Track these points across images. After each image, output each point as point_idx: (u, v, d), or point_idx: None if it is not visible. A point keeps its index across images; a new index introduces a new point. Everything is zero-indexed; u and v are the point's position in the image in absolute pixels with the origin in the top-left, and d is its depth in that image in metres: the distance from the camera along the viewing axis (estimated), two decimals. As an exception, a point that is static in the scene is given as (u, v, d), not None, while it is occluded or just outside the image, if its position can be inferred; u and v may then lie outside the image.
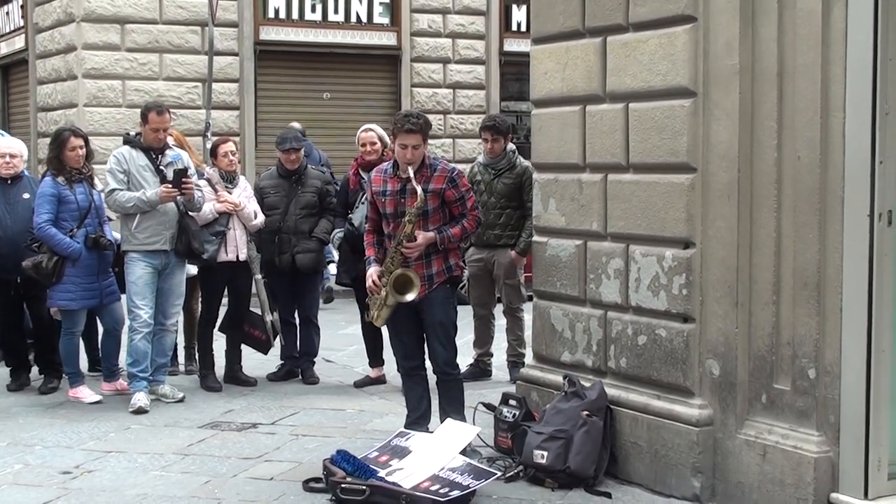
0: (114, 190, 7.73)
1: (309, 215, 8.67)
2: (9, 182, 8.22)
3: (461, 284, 8.35)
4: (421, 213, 6.32)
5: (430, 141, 6.58)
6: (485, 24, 18.44)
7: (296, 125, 11.71)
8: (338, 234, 8.39)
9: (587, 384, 6.12)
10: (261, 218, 8.53)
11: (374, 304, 6.53)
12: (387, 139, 8.09)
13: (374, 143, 8.32)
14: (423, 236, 6.34)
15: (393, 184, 6.44)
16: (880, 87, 4.88)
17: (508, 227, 8.62)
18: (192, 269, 8.48)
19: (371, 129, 8.45)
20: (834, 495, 5.05)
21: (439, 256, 6.42)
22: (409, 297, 6.32)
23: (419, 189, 6.28)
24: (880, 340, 4.97)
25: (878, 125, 4.89)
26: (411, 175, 6.30)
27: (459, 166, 7.48)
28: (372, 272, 6.48)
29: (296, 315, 8.94)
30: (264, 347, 8.86)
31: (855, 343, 4.98)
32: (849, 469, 5.03)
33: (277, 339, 8.85)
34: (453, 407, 6.51)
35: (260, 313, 8.72)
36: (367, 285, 6.54)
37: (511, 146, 8.76)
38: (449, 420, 6.28)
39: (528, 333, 7.84)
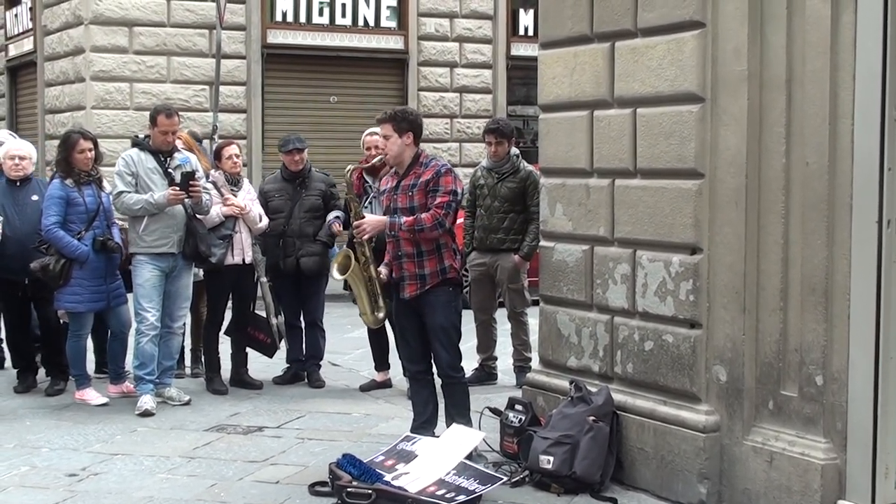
0: (122, 192, 7.74)
1: (313, 218, 8.69)
2: (18, 184, 8.24)
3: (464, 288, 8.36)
4: (409, 209, 6.38)
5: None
6: (492, 28, 18.44)
7: (193, 132, 11.08)
8: (335, 214, 8.52)
9: (593, 389, 6.12)
10: (265, 221, 8.54)
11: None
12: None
13: (378, 147, 8.34)
14: (369, 218, 6.54)
15: (392, 181, 6.54)
16: (889, 93, 4.87)
17: (512, 231, 8.61)
18: (199, 273, 8.48)
19: (376, 133, 8.45)
20: (841, 502, 5.04)
21: (433, 257, 6.41)
22: (343, 275, 6.65)
23: (349, 167, 7.07)
24: (888, 347, 4.96)
25: (886, 132, 4.88)
26: (374, 161, 6.79)
27: (465, 170, 7.51)
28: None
29: (301, 318, 8.95)
30: (269, 351, 8.86)
31: (862, 350, 4.97)
32: (856, 476, 5.02)
33: (282, 342, 8.86)
34: (458, 410, 6.51)
35: (265, 316, 8.73)
36: None
37: (514, 150, 8.76)
38: (455, 425, 6.28)
39: (533, 338, 7.83)
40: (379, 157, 6.65)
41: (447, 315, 6.47)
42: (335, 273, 6.71)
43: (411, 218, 6.32)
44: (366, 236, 6.54)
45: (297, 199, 8.70)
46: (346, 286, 8.50)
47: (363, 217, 6.58)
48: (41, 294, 8.18)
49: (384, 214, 6.55)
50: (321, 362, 8.96)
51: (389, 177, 6.62)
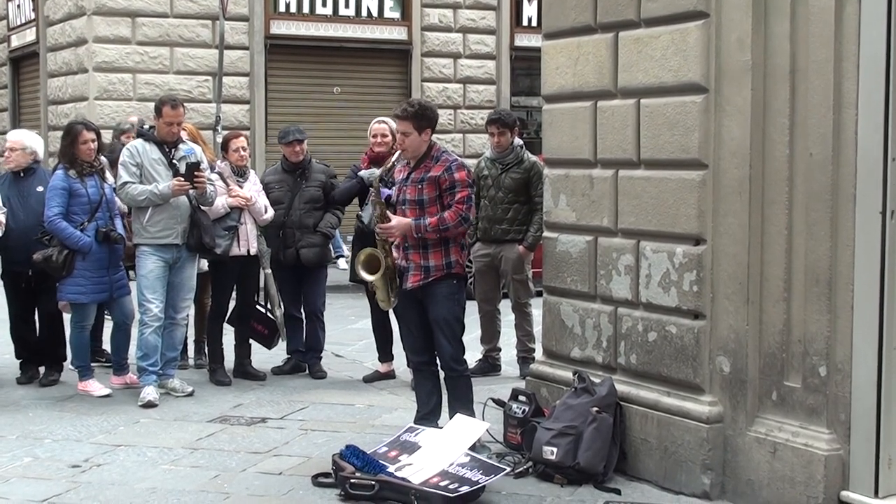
0: (126, 183, 7.74)
1: (313, 209, 8.69)
2: (22, 175, 8.22)
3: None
4: (417, 202, 6.36)
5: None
6: (496, 18, 18.43)
7: (133, 119, 10.83)
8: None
9: (597, 380, 6.11)
10: (271, 212, 8.54)
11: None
12: (398, 133, 8.13)
13: (385, 136, 8.39)
14: (397, 220, 6.40)
15: (403, 171, 6.55)
16: (893, 83, 4.86)
17: (516, 221, 8.61)
18: (204, 265, 8.49)
19: (384, 122, 8.52)
20: (844, 493, 5.04)
21: (438, 250, 6.40)
22: (374, 276, 6.54)
23: (376, 170, 7.06)
24: (891, 338, 4.95)
25: (890, 122, 4.87)
26: (393, 160, 6.64)
27: (468, 161, 7.50)
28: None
29: (301, 310, 8.94)
30: (268, 342, 8.86)
31: (866, 340, 4.97)
32: (859, 467, 5.02)
33: (282, 333, 8.85)
34: (460, 403, 6.50)
35: (266, 307, 8.73)
36: None
37: (518, 140, 8.75)
38: (458, 415, 6.27)
39: (537, 329, 7.83)
40: (397, 154, 6.57)
41: (450, 308, 6.46)
42: (365, 275, 6.60)
43: (435, 218, 6.30)
44: (393, 240, 6.47)
45: (297, 190, 8.70)
46: (353, 278, 8.57)
47: (390, 220, 6.44)
48: (45, 285, 8.18)
49: (396, 205, 6.51)
50: (321, 354, 8.96)
51: (401, 167, 6.60)
